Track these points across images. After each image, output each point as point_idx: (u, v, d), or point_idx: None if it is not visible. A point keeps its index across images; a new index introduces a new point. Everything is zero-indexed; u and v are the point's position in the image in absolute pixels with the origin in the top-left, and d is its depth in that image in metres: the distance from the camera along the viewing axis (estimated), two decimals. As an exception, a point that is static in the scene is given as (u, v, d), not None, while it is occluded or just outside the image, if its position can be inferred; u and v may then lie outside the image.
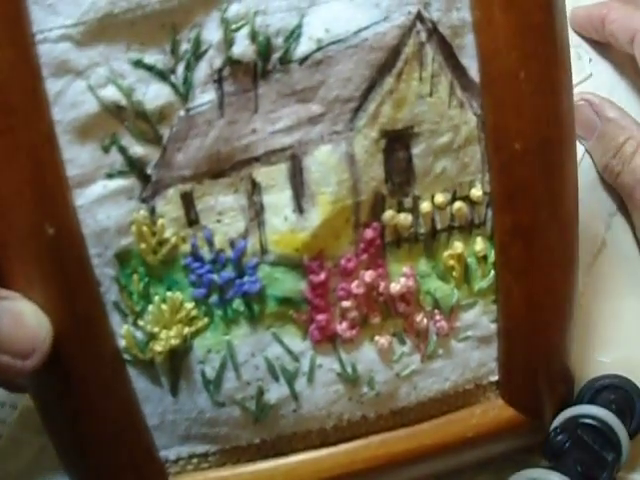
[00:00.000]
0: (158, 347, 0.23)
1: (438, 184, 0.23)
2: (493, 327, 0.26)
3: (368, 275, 0.23)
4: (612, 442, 0.27)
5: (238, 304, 0.23)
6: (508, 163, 0.23)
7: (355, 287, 0.23)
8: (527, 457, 0.29)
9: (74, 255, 0.21)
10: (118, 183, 0.21)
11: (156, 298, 0.23)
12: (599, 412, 0.27)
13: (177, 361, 0.23)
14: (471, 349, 0.26)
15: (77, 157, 0.21)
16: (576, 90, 0.32)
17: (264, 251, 0.22)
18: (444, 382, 0.26)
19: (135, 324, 0.23)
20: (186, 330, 0.23)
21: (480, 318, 0.25)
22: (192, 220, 0.22)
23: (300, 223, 0.22)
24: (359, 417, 0.25)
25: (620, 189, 0.32)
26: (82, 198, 0.21)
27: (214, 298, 0.23)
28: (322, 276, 0.23)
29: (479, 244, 0.24)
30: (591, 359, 0.30)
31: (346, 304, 0.23)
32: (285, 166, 0.22)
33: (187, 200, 0.22)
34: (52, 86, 0.20)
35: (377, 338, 0.24)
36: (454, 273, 0.24)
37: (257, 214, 0.22)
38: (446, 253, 0.24)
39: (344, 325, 0.24)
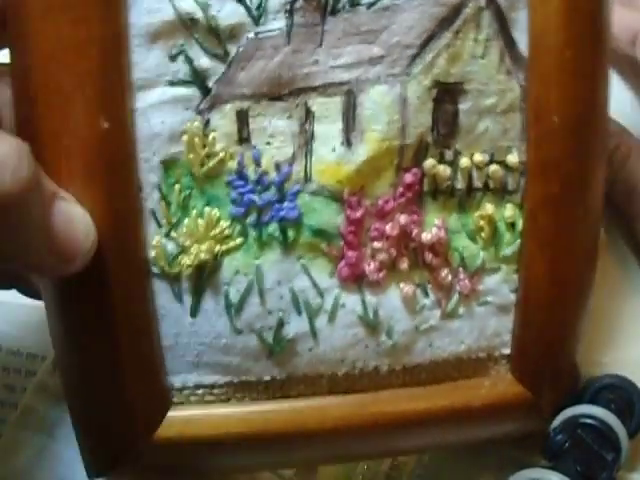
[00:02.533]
0: (187, 260, 0.23)
1: (478, 143, 0.24)
2: (512, 297, 0.26)
3: (403, 218, 0.24)
4: (612, 442, 0.27)
5: (274, 229, 0.23)
6: (545, 135, 0.24)
7: (389, 229, 0.24)
8: (527, 457, 0.29)
9: (122, 154, 0.22)
10: (178, 91, 0.22)
11: (194, 212, 0.23)
12: (599, 412, 0.27)
13: (203, 279, 0.23)
14: (489, 315, 0.26)
15: (143, 61, 0.22)
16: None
17: (307, 179, 0.23)
18: (459, 344, 0.26)
19: (168, 235, 0.23)
20: (218, 247, 0.23)
21: (501, 285, 0.26)
22: (243, 138, 0.23)
23: (347, 156, 0.23)
24: (371, 368, 0.25)
25: (616, 198, 0.31)
26: (141, 101, 0.22)
27: (251, 219, 0.23)
28: (359, 213, 0.24)
29: (509, 210, 0.25)
30: (591, 359, 0.29)
31: (377, 245, 0.24)
32: (340, 99, 0.23)
33: (242, 117, 0.23)
34: None
35: (402, 285, 0.25)
36: (482, 234, 0.25)
37: (306, 142, 0.23)
38: (477, 213, 0.25)
39: (373, 266, 0.24)
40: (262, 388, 0.25)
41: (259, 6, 0.22)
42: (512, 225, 0.25)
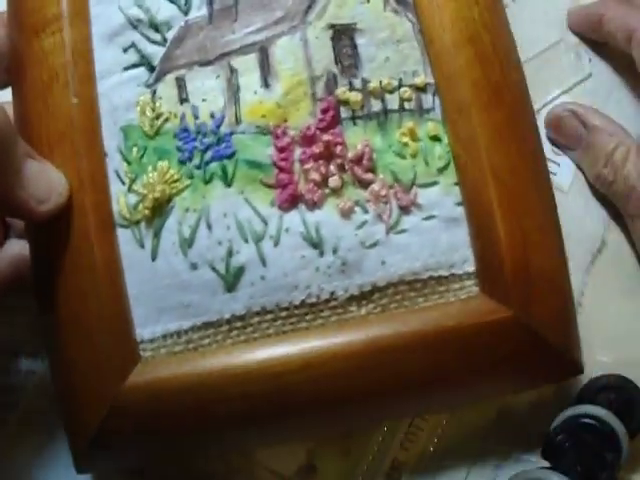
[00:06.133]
0: (145, 206, 0.27)
1: (384, 70, 0.28)
2: (459, 210, 0.27)
3: (326, 136, 0.27)
4: (612, 442, 0.27)
5: (214, 167, 0.27)
6: (442, 52, 0.27)
7: (315, 148, 0.27)
8: (527, 457, 0.30)
9: (89, 124, 0.27)
10: (131, 73, 0.28)
11: (149, 167, 0.27)
12: (599, 412, 0.27)
13: (159, 220, 0.27)
14: (439, 230, 0.27)
15: (104, 57, 0.28)
16: (575, 89, 0.34)
17: (238, 122, 0.27)
18: (414, 261, 0.27)
19: (130, 190, 0.27)
20: (169, 190, 0.27)
21: (443, 198, 0.27)
22: (183, 99, 0.28)
23: (267, 95, 0.27)
24: (328, 295, 0.27)
25: (614, 198, 0.31)
26: (102, 86, 0.28)
27: (195, 161, 0.27)
28: (286, 141, 0.27)
29: (430, 126, 0.27)
30: (591, 359, 0.30)
31: (307, 166, 0.27)
32: (255, 55, 0.28)
33: (180, 83, 0.28)
34: (94, 10, 0.28)
35: (339, 202, 0.27)
36: (409, 150, 0.27)
37: (234, 93, 0.27)
38: (399, 131, 0.27)
39: (307, 187, 0.27)
40: (225, 330, 0.27)
41: (186, 2, 0.28)
42: (437, 139, 0.27)
